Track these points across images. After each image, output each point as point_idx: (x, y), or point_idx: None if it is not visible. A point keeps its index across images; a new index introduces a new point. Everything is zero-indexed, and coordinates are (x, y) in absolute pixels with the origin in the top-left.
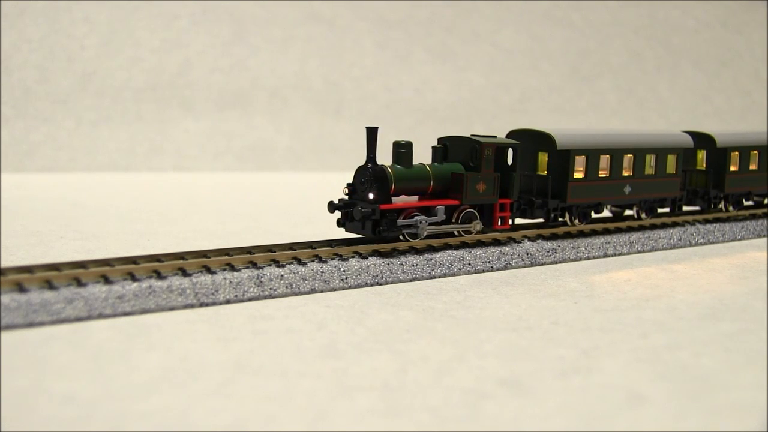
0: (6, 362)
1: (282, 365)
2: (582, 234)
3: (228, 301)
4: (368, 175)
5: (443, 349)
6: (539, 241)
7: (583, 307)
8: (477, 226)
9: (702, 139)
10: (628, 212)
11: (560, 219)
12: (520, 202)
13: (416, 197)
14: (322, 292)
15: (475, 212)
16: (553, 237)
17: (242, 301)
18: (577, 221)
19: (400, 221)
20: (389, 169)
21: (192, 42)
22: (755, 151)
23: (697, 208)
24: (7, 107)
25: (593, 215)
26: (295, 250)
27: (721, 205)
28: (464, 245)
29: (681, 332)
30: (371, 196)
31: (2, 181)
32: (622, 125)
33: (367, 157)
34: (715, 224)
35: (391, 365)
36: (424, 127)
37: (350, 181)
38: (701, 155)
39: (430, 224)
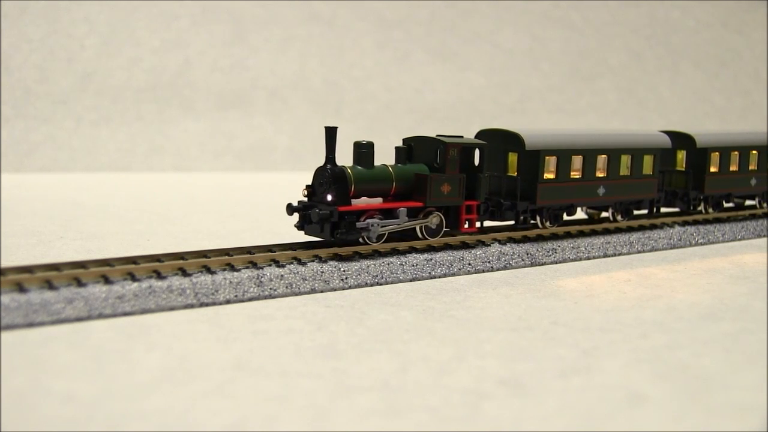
0: (6, 362)
1: (282, 365)
2: (582, 234)
3: (228, 301)
4: (327, 177)
5: (443, 349)
6: (539, 241)
7: (583, 307)
8: (434, 219)
9: (681, 139)
10: (604, 214)
11: (531, 221)
12: (488, 204)
13: (380, 199)
14: (322, 292)
15: (440, 215)
16: (553, 237)
17: (242, 301)
18: (548, 224)
19: (359, 224)
20: (349, 170)
21: (192, 42)
22: (736, 152)
23: (676, 209)
24: (7, 107)
25: (566, 217)
26: (295, 250)
27: (701, 207)
28: (464, 245)
29: (681, 332)
30: (330, 197)
31: (2, 181)
32: (622, 125)
33: (326, 157)
34: (715, 224)
35: (391, 365)
36: (424, 127)
37: (310, 183)
38: (681, 155)
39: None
